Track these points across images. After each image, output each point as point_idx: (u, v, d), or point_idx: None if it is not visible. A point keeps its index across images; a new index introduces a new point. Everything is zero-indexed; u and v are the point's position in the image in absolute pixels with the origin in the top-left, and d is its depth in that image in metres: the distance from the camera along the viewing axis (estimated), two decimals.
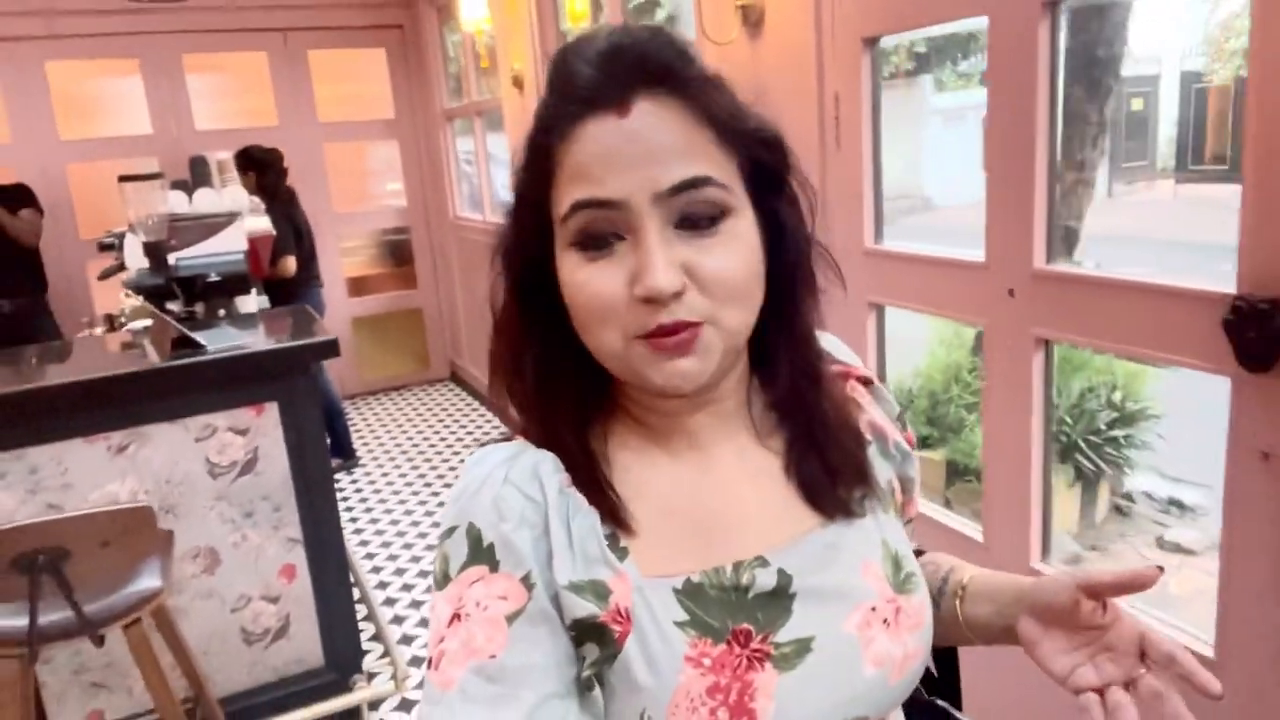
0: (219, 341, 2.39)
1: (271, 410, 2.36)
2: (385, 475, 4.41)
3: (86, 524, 1.75)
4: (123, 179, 3.18)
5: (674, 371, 0.61)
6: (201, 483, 2.30)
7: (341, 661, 2.53)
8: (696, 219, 0.60)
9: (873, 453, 0.73)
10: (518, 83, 3.92)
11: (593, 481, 0.65)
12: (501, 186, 4.84)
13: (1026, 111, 1.50)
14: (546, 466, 0.64)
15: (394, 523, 3.85)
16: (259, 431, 2.35)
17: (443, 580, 0.62)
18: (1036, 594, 0.70)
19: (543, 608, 0.60)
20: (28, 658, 1.78)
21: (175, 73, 5.09)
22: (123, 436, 2.20)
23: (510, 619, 0.59)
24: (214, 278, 3.11)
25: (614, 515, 0.64)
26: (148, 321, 2.57)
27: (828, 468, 0.69)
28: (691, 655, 0.60)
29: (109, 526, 1.76)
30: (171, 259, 3.07)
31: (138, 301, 2.99)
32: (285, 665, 2.47)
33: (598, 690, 0.60)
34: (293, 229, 4.11)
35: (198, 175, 4.00)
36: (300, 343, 2.43)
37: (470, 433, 4.95)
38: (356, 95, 5.79)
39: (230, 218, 3.37)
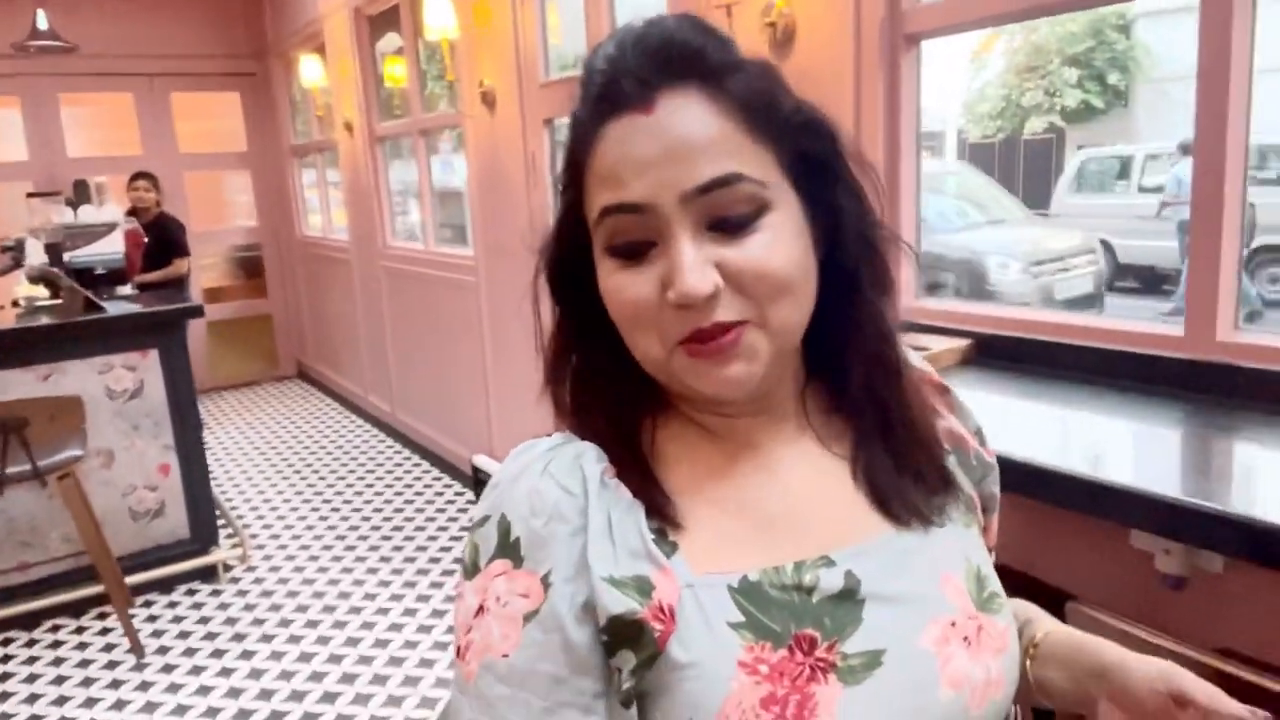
0: (114, 309, 3.43)
1: (154, 354, 3.39)
2: (241, 450, 5.39)
3: (41, 403, 2.78)
4: (30, 195, 4.14)
5: (721, 378, 0.58)
6: (103, 403, 3.30)
7: (203, 535, 3.56)
8: (730, 219, 0.57)
9: (952, 463, 0.69)
10: (348, 127, 5.06)
11: (636, 473, 0.61)
12: (338, 210, 5.93)
13: None
14: (589, 457, 0.61)
15: (247, 475, 4.85)
16: (145, 369, 3.38)
17: (471, 570, 0.60)
18: (1122, 680, 0.64)
19: (557, 611, 0.56)
20: None
21: (51, 108, 5.95)
22: (46, 369, 3.19)
23: (527, 618, 0.56)
24: (100, 271, 4.12)
25: (659, 508, 0.60)
26: (48, 298, 3.57)
27: (905, 469, 0.65)
28: (746, 660, 0.55)
29: (55, 406, 2.80)
30: (66, 256, 4.04)
31: (37, 289, 3.95)
32: (162, 536, 3.48)
33: (633, 709, 0.56)
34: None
35: (80, 194, 4.88)
36: (174, 306, 3.49)
37: (317, 421, 5.97)
38: (214, 131, 6.77)
39: (110, 227, 4.38)
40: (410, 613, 3.16)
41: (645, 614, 0.55)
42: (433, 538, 3.81)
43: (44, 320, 3.26)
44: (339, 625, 3.11)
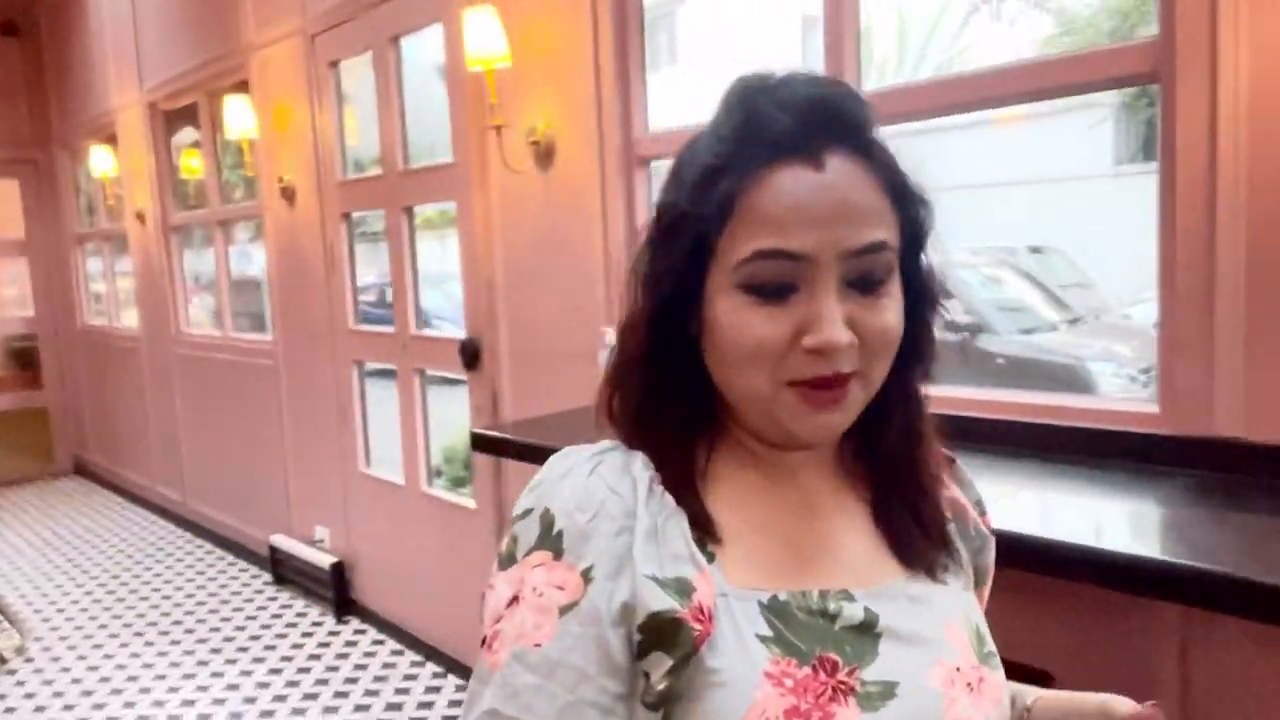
0: None
1: None
2: (14, 548, 5.10)
3: None
4: None
5: (821, 424, 0.62)
6: None
7: None
8: (868, 281, 0.61)
9: (952, 530, 0.73)
10: (140, 217, 5.10)
11: (683, 484, 0.64)
12: (126, 298, 5.85)
13: None
14: (638, 463, 0.64)
15: (21, 571, 4.62)
16: None
17: (508, 560, 0.62)
18: None
19: (595, 606, 0.58)
20: None
21: None
22: None
23: (563, 610, 0.58)
24: None
25: (701, 520, 0.63)
26: None
27: (919, 525, 0.69)
28: (773, 672, 0.58)
29: None
30: None
31: None
32: None
33: (658, 714, 0.58)
34: None
35: None
36: None
37: (100, 515, 5.72)
38: None
39: None
40: (203, 689, 3.20)
41: (685, 614, 0.57)
42: (226, 619, 3.83)
43: None
44: (129, 705, 3.11)
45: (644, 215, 2.45)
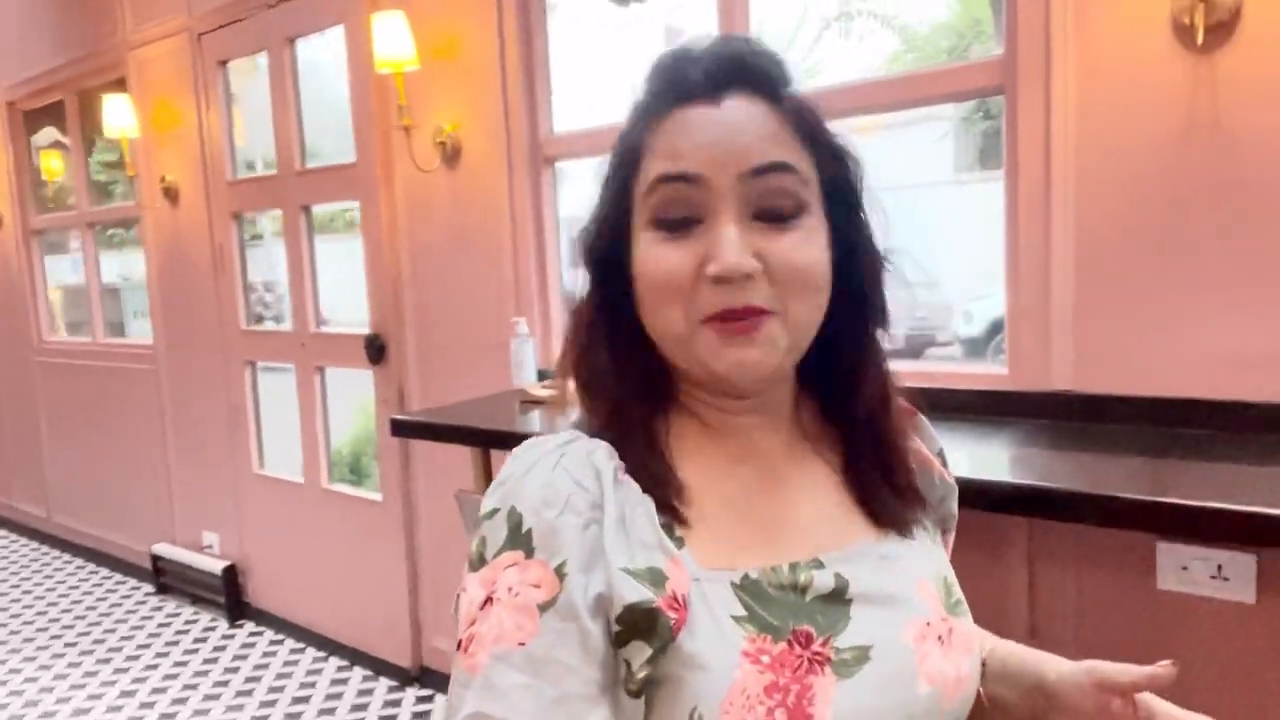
0: None
1: None
2: None
3: None
4: None
5: (738, 359, 0.62)
6: None
7: None
8: (774, 211, 0.62)
9: (920, 482, 0.74)
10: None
11: (650, 469, 0.64)
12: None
13: None
14: (601, 454, 0.63)
15: None
16: None
17: (478, 562, 0.61)
18: (1059, 695, 0.69)
19: (573, 601, 0.57)
20: None
21: None
22: None
23: (542, 608, 0.57)
24: None
25: (669, 505, 0.63)
26: None
27: (888, 483, 0.70)
28: (750, 651, 0.58)
29: None
30: None
31: None
32: None
33: (640, 700, 0.58)
34: None
35: None
36: None
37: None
38: None
39: None
40: (96, 697, 3.12)
41: (660, 603, 0.57)
42: (110, 630, 3.72)
43: None
44: (17, 719, 3.00)
45: (550, 211, 2.62)
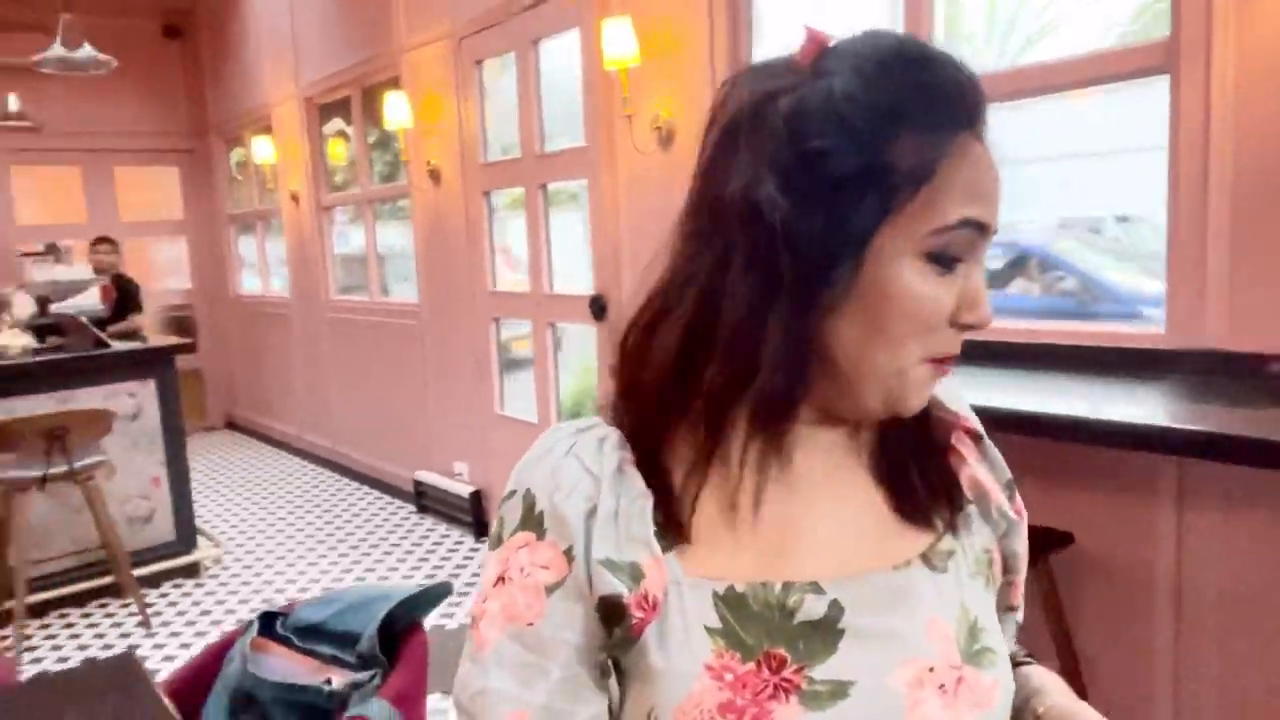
0: (118, 346, 4.08)
1: (151, 384, 4.05)
2: None
3: (80, 415, 3.42)
4: (24, 255, 4.74)
5: (925, 398, 0.63)
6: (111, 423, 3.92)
7: (185, 538, 4.17)
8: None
9: (971, 512, 0.69)
10: (294, 198, 5.82)
11: (657, 465, 0.63)
12: (280, 268, 6.61)
13: None
14: (612, 441, 0.63)
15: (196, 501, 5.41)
16: (142, 395, 4.02)
17: (496, 541, 0.63)
18: None
19: (580, 584, 0.59)
20: (38, 486, 3.38)
21: (3, 179, 6.48)
22: (64, 395, 3.80)
23: (550, 589, 0.59)
24: (84, 319, 4.72)
25: (669, 502, 0.62)
26: (29, 341, 4.15)
27: (924, 476, 0.68)
28: (714, 665, 0.58)
29: (88, 415, 3.44)
30: (53, 307, 4.64)
31: (20, 337, 4.52)
32: (153, 537, 4.08)
33: (614, 679, 0.60)
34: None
35: (58, 255, 5.42)
36: (165, 343, 4.17)
37: (255, 461, 6.53)
38: (152, 201, 7.37)
39: (87, 283, 4.99)
40: None
41: (630, 599, 0.58)
42: (381, 539, 4.50)
43: (62, 355, 3.89)
44: None
45: None
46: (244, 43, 6.28)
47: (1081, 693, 1.97)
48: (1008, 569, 0.72)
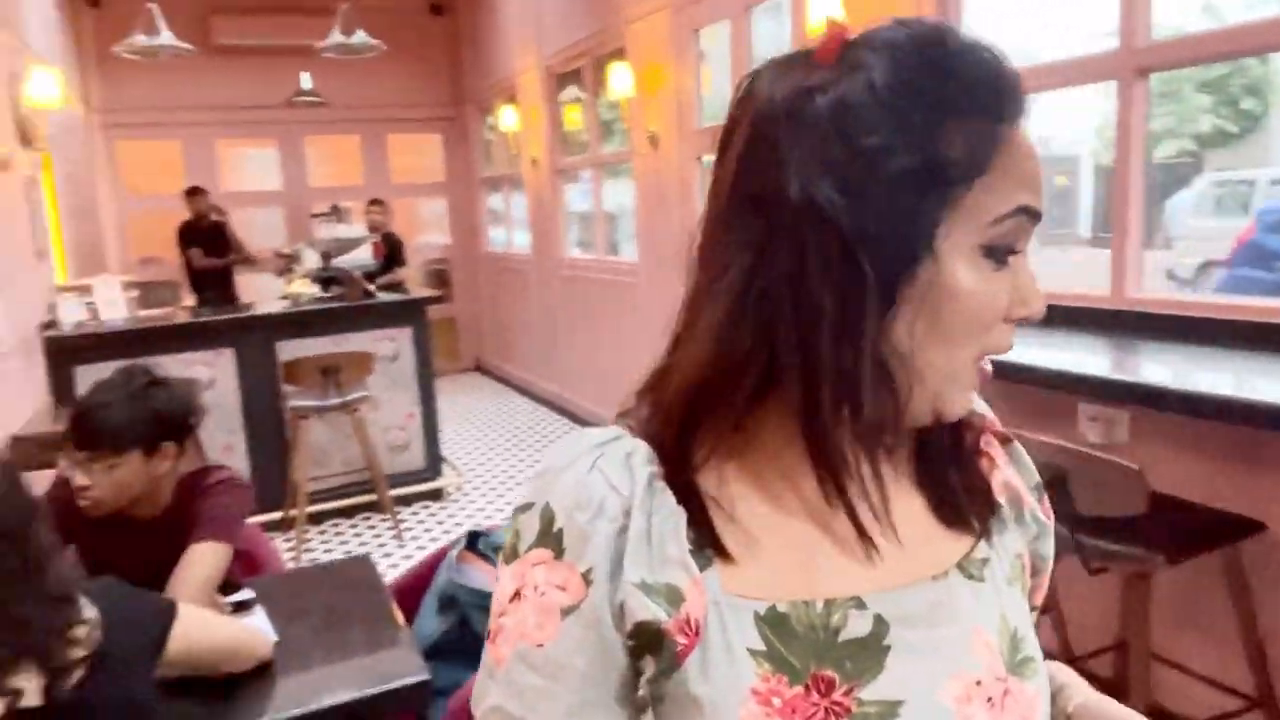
0: (383, 296, 4.70)
1: (408, 330, 4.63)
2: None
3: (350, 356, 4.02)
4: (313, 215, 5.52)
5: (970, 402, 0.61)
6: (373, 364, 4.56)
7: (433, 466, 4.77)
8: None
9: (1005, 516, 0.68)
10: (534, 162, 6.29)
11: (687, 481, 0.59)
12: (521, 227, 7.19)
13: None
14: (639, 457, 0.59)
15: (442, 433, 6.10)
16: (400, 340, 4.62)
17: (511, 554, 0.60)
18: None
19: (597, 609, 0.56)
20: (317, 415, 4.02)
21: (300, 148, 7.49)
22: (339, 339, 4.45)
23: (565, 612, 0.56)
24: (357, 273, 5.44)
25: (703, 519, 0.59)
26: (316, 291, 4.84)
27: (962, 474, 0.66)
28: (760, 690, 0.55)
29: (356, 356, 4.03)
30: (334, 261, 5.38)
31: (308, 287, 5.28)
32: (407, 464, 4.70)
33: (649, 714, 0.57)
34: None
35: (339, 215, 6.25)
36: (419, 296, 4.75)
37: (497, 400, 7.21)
38: (418, 165, 8.21)
39: (362, 240, 5.71)
40: None
41: (670, 625, 0.55)
42: None
43: (338, 304, 4.57)
44: None
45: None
46: (495, 16, 6.81)
47: (1266, 681, 1.93)
48: (1035, 571, 0.71)
